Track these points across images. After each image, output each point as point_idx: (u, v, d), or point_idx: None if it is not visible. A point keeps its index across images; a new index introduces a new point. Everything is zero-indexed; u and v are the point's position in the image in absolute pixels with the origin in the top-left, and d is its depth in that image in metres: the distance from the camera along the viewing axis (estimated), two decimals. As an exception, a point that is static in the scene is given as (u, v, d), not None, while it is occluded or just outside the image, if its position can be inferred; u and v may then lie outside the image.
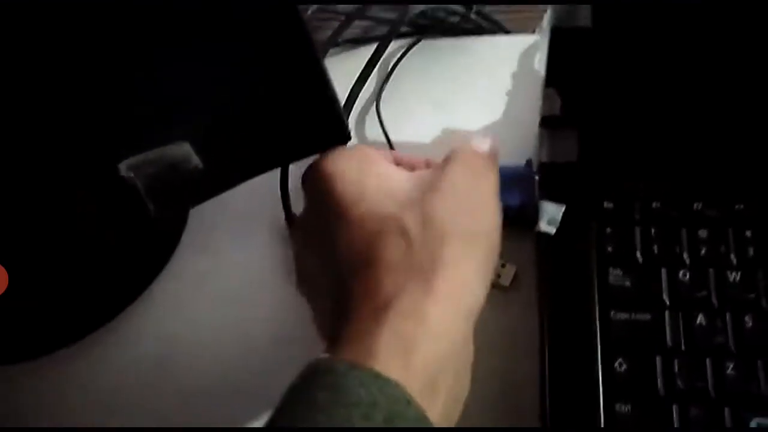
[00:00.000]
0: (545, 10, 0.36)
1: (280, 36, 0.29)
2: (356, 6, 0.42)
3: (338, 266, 0.27)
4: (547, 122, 0.36)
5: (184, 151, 0.31)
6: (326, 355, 0.24)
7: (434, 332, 0.24)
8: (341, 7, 0.43)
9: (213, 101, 0.31)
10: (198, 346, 0.38)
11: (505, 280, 0.36)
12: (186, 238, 0.41)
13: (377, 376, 0.22)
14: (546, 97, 0.34)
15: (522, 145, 0.39)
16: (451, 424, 0.26)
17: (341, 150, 0.31)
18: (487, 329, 0.35)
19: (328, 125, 0.32)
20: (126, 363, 0.38)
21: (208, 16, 0.28)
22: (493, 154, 0.31)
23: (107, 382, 0.37)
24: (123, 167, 0.30)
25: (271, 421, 0.23)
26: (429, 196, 0.28)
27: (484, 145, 0.31)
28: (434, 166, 0.31)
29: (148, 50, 0.28)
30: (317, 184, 0.30)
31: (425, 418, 0.23)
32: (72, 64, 0.28)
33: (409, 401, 0.22)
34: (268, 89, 0.31)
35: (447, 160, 0.30)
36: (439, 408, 0.24)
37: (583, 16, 0.31)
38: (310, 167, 0.31)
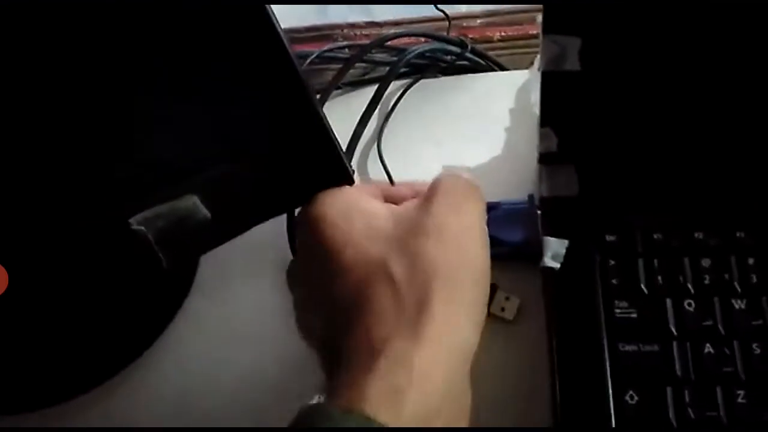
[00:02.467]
0: (538, 45, 0.37)
1: (279, 88, 0.29)
2: (356, 51, 0.43)
3: (330, 308, 0.28)
4: (545, 159, 0.36)
5: (192, 203, 0.32)
6: (319, 401, 0.24)
7: (424, 379, 0.24)
8: (341, 52, 0.44)
9: (218, 154, 0.31)
10: (214, 387, 0.38)
11: (509, 314, 0.37)
12: (198, 281, 0.41)
13: (369, 421, 0.23)
14: (542, 136, 0.35)
15: (522, 180, 0.40)
16: None
17: (327, 193, 0.31)
18: (492, 362, 0.35)
19: (330, 168, 0.32)
20: (142, 408, 0.38)
21: (209, 74, 0.29)
22: (475, 183, 0.31)
23: (127, 424, 0.37)
24: (134, 221, 0.31)
25: None
26: (414, 239, 0.28)
27: (463, 173, 0.31)
28: (419, 198, 0.30)
29: (156, 108, 0.29)
30: (305, 228, 0.30)
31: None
32: (81, 122, 0.29)
33: None
34: (269, 139, 0.31)
35: (430, 191, 0.30)
36: None
37: (572, 60, 0.32)
38: (299, 212, 0.31)
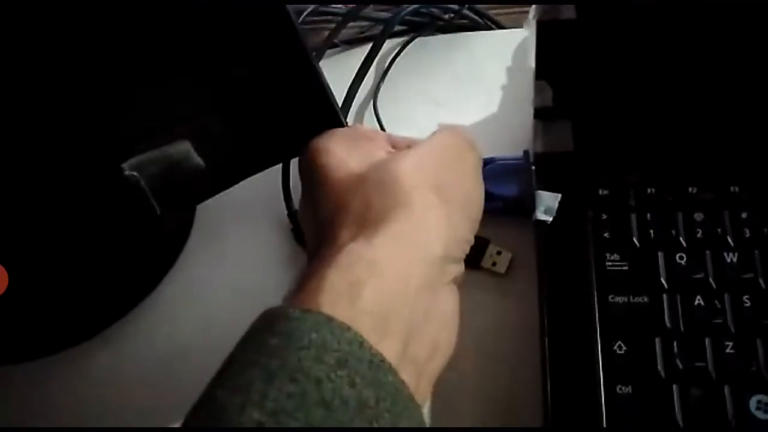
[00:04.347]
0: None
1: (271, 36, 0.29)
2: (351, 7, 0.43)
3: (318, 225, 0.28)
4: (540, 114, 0.36)
5: (184, 149, 0.32)
6: (278, 305, 0.24)
7: (384, 271, 0.24)
8: (336, 8, 0.44)
9: (210, 102, 0.31)
10: (208, 340, 0.38)
11: (501, 267, 0.37)
12: (192, 235, 0.41)
13: (328, 320, 0.22)
14: (537, 90, 0.35)
15: (518, 137, 0.39)
16: (421, 376, 0.25)
17: (335, 129, 0.31)
18: (484, 315, 0.36)
19: (323, 117, 0.32)
20: (137, 359, 0.38)
21: (203, 21, 0.29)
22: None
23: (116, 381, 0.38)
24: (126, 167, 0.31)
25: (222, 368, 0.23)
26: (403, 155, 0.28)
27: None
28: None
29: (146, 53, 0.29)
30: (306, 160, 0.30)
31: (381, 359, 0.22)
32: (75, 69, 0.28)
33: (361, 342, 0.22)
34: (262, 88, 0.31)
35: (431, 135, 0.30)
36: (395, 348, 0.23)
37: (568, 7, 0.32)
38: (304, 146, 0.31)
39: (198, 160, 0.32)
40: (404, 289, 0.25)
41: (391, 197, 0.26)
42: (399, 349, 0.24)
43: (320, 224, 0.28)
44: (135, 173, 0.31)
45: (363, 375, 0.21)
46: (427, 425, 0.24)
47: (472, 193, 0.29)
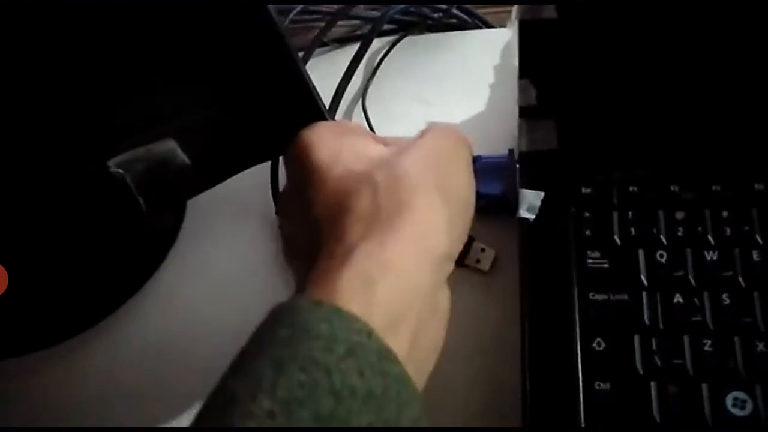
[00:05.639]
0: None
1: (254, 35, 0.30)
2: (340, 6, 0.43)
3: (313, 223, 0.28)
4: (525, 112, 0.36)
5: (170, 147, 0.32)
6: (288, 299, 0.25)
7: (396, 271, 0.25)
8: (325, 7, 0.44)
9: (195, 100, 0.32)
10: (198, 336, 0.39)
11: (485, 265, 0.37)
12: (183, 230, 0.42)
13: (338, 311, 0.23)
14: (522, 88, 0.35)
15: (505, 136, 0.40)
16: (420, 372, 0.26)
17: (321, 123, 0.32)
18: (468, 313, 0.36)
19: (309, 115, 0.32)
20: (127, 355, 0.38)
21: (187, 19, 0.29)
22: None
23: (109, 374, 0.38)
24: (112, 164, 0.32)
25: (234, 361, 0.23)
26: (402, 156, 0.28)
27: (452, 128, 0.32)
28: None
29: (131, 52, 0.29)
30: (296, 151, 0.30)
31: (388, 350, 0.23)
32: (61, 66, 0.29)
33: (370, 333, 0.23)
34: (246, 86, 0.32)
35: (422, 132, 0.31)
36: (403, 347, 0.24)
37: (549, 7, 0.32)
38: (292, 139, 0.32)
39: (183, 157, 0.33)
40: (415, 289, 0.26)
41: (397, 198, 0.27)
42: (406, 348, 0.25)
43: (317, 222, 0.28)
44: (121, 170, 0.32)
45: (371, 365, 0.22)
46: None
47: (467, 193, 0.30)
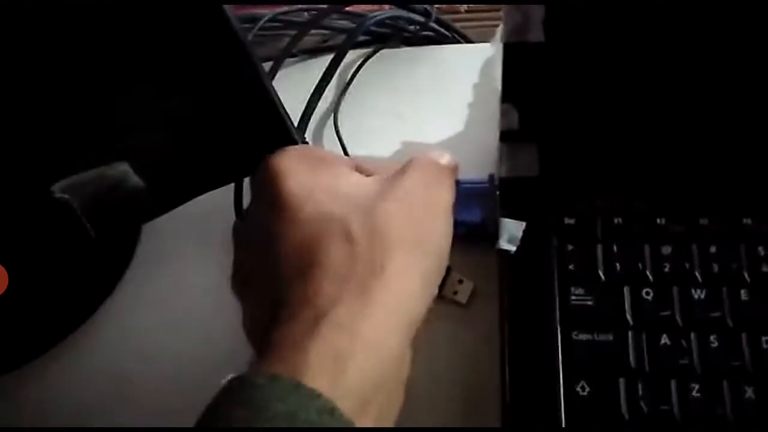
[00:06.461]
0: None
1: (213, 47, 0.27)
2: (311, 15, 0.41)
3: (279, 267, 0.26)
4: (506, 137, 0.34)
5: (122, 171, 0.29)
6: (247, 371, 0.23)
7: (368, 345, 0.23)
8: (296, 16, 0.42)
9: (151, 120, 0.29)
10: (155, 358, 0.37)
11: (462, 297, 0.35)
12: (140, 250, 0.39)
13: (297, 387, 0.21)
14: (503, 112, 0.33)
15: (483, 158, 0.38)
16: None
17: (295, 148, 0.29)
18: (443, 347, 0.34)
19: (275, 135, 0.30)
20: (83, 379, 0.36)
21: (142, 36, 0.26)
22: (451, 167, 0.29)
23: (56, 403, 0.36)
24: (57, 188, 0.29)
25: None
26: (379, 203, 0.26)
27: (442, 157, 0.29)
28: (392, 173, 0.29)
29: (83, 71, 0.27)
30: (265, 180, 0.28)
31: (351, 424, 0.21)
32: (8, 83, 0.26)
33: (332, 410, 0.21)
34: (207, 103, 0.29)
35: (404, 167, 0.29)
36: (368, 423, 0.23)
37: (535, 30, 0.30)
38: (261, 163, 0.29)
39: (137, 180, 0.30)
40: (387, 362, 0.24)
41: (373, 256, 0.25)
42: (371, 423, 0.23)
43: (281, 268, 0.26)
44: (66, 195, 0.29)
45: None
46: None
47: (446, 239, 0.28)
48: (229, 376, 0.23)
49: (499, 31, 0.32)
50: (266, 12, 0.41)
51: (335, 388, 0.22)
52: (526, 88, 0.33)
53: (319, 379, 0.22)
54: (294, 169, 0.28)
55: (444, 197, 0.29)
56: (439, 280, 0.28)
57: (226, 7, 0.26)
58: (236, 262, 0.31)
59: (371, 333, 0.23)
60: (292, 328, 0.23)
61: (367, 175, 0.30)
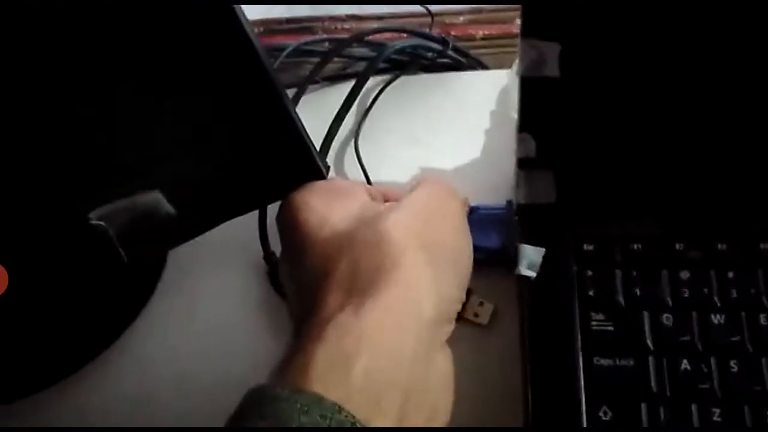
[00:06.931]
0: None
1: (245, 84, 0.28)
2: (333, 45, 0.42)
3: (302, 289, 0.27)
4: (523, 164, 0.35)
5: (154, 198, 0.30)
6: (267, 383, 0.24)
7: (373, 345, 0.24)
8: (320, 45, 0.43)
9: (182, 150, 0.30)
10: (179, 384, 0.37)
11: (483, 319, 0.36)
12: (165, 276, 0.40)
13: (319, 401, 0.22)
14: (520, 141, 0.34)
15: (501, 184, 0.38)
16: None
17: (313, 183, 0.31)
18: (464, 367, 0.34)
19: (302, 165, 0.31)
20: (107, 403, 0.37)
21: (177, 70, 0.27)
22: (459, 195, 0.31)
23: (89, 422, 0.36)
24: (94, 216, 0.30)
25: None
26: (386, 214, 0.27)
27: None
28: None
29: (118, 102, 0.28)
30: (286, 216, 0.30)
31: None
32: (43, 120, 0.27)
33: (353, 424, 0.21)
34: (235, 134, 0.30)
35: (413, 187, 0.30)
36: (390, 422, 0.23)
37: (551, 65, 0.31)
38: (282, 202, 0.31)
39: (168, 208, 0.31)
40: (397, 361, 0.24)
41: (379, 260, 0.26)
42: (393, 422, 0.23)
43: (305, 287, 0.27)
44: (103, 222, 0.30)
45: None
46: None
47: (459, 249, 0.29)
48: (253, 386, 0.23)
49: (516, 64, 0.33)
50: (291, 42, 0.42)
51: (345, 389, 0.22)
52: (543, 119, 0.33)
53: (329, 382, 0.22)
54: (311, 203, 0.29)
55: (452, 204, 0.30)
56: (458, 288, 0.28)
57: (253, 38, 0.27)
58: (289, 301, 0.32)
59: (376, 332, 0.24)
60: (302, 338, 0.24)
61: (385, 201, 0.31)
